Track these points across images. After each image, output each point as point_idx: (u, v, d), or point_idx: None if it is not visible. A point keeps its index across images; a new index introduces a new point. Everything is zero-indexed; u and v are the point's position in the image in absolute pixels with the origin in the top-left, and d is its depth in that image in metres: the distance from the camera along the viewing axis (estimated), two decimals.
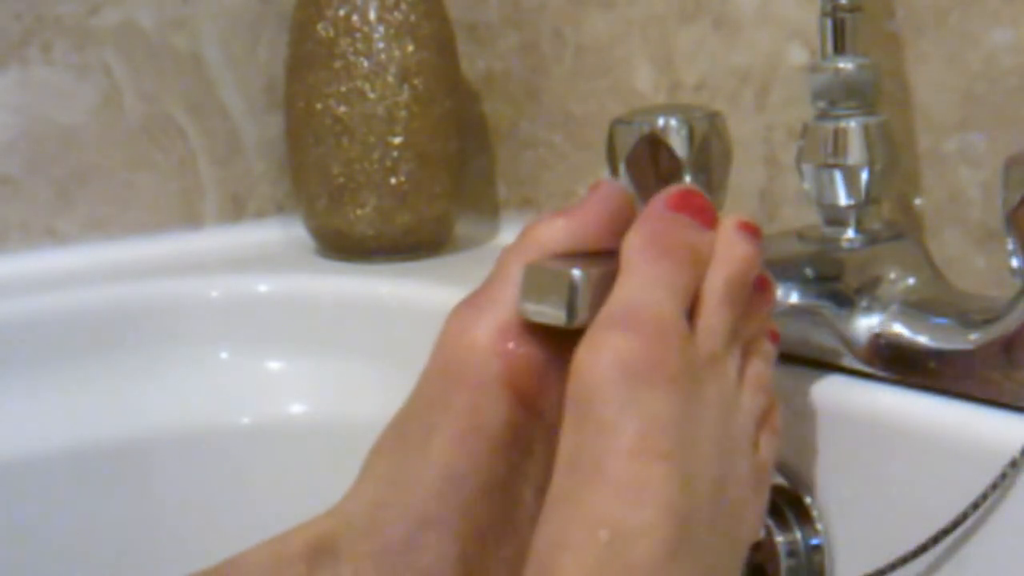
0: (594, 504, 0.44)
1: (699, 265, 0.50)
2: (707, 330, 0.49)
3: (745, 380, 0.50)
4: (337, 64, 0.85)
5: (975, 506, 0.49)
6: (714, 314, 0.49)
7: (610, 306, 0.48)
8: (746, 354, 0.51)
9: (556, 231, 0.52)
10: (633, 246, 0.49)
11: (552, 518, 0.45)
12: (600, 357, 0.46)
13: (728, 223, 0.51)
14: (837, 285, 0.59)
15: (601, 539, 0.43)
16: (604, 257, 0.51)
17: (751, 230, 0.51)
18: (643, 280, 0.48)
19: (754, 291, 0.52)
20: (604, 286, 0.49)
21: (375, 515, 0.50)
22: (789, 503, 0.59)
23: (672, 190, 0.51)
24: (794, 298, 0.59)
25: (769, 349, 0.52)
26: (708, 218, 0.51)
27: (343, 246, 0.88)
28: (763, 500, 0.50)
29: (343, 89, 0.85)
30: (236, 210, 0.97)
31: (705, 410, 0.47)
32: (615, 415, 0.45)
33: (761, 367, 0.51)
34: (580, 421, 0.45)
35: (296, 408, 0.81)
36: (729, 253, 0.50)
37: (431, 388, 0.51)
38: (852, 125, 0.59)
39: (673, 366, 0.46)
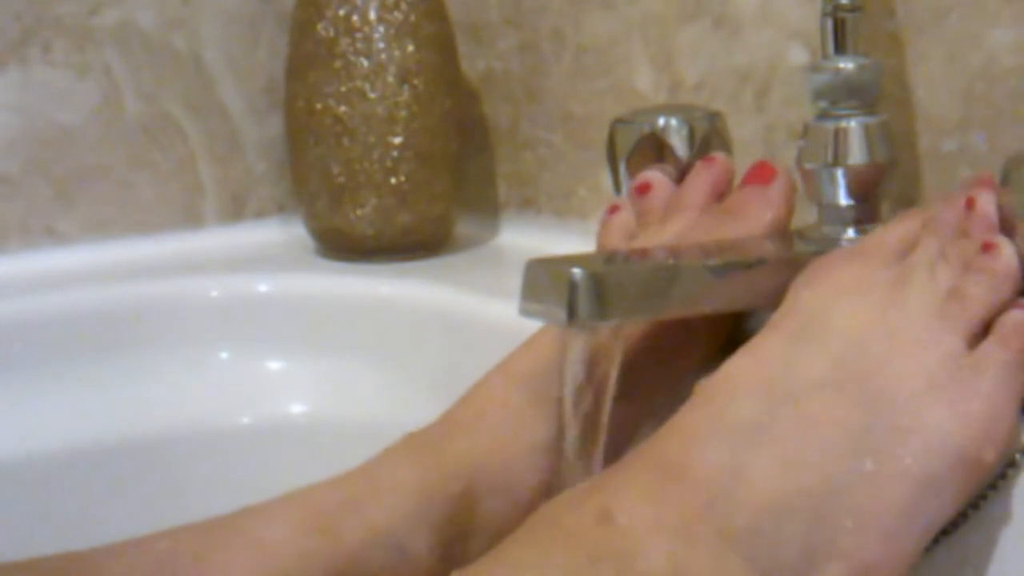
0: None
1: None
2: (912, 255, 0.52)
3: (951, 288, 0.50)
4: (337, 64, 0.85)
5: (975, 506, 0.49)
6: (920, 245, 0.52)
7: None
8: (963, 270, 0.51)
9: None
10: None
11: None
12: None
13: None
14: None
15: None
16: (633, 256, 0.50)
17: None
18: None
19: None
20: (626, 284, 0.48)
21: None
22: None
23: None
24: None
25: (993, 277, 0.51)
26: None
27: (343, 246, 0.88)
28: (977, 394, 0.47)
29: (343, 89, 0.85)
30: (236, 210, 0.97)
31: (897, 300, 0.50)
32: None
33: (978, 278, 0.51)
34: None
35: (296, 408, 0.81)
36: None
37: None
38: (852, 125, 0.59)
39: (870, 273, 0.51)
